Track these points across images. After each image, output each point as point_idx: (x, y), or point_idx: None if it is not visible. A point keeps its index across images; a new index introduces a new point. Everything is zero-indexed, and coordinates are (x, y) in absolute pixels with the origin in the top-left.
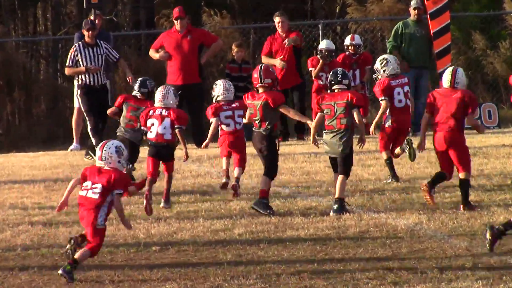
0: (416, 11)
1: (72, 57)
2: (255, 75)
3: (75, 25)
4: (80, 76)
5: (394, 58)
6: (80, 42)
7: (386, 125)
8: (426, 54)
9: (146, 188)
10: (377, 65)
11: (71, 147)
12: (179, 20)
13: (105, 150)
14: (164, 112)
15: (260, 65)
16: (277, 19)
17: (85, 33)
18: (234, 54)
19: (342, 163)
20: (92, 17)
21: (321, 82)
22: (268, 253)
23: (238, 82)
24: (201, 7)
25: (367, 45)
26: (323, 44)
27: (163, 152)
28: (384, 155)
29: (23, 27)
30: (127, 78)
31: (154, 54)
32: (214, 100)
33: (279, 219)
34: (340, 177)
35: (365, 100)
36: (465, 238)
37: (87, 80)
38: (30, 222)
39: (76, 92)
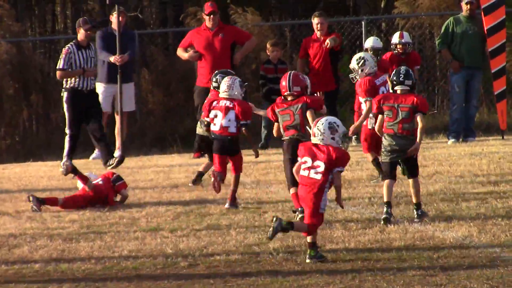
0: (468, 5)
1: (66, 59)
2: (284, 82)
3: (98, 23)
4: (70, 79)
5: (371, 56)
6: (73, 43)
7: (369, 127)
8: (479, 53)
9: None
10: (353, 64)
11: (93, 155)
12: (211, 16)
13: (317, 127)
14: (229, 104)
15: (290, 72)
16: (315, 20)
17: (81, 32)
18: (269, 54)
19: (413, 164)
20: (115, 15)
21: None
22: (306, 268)
23: (274, 84)
24: (228, 5)
25: (415, 43)
26: (369, 42)
27: (227, 146)
28: (369, 157)
29: (40, 25)
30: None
31: (182, 54)
32: None
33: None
34: (412, 181)
35: None
36: None
37: (77, 84)
38: (49, 236)
39: (63, 95)
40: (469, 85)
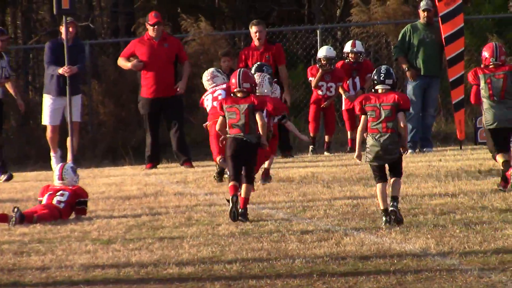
0: (426, 13)
1: None
2: (233, 79)
3: (48, 33)
4: None
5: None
6: None
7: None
8: (436, 61)
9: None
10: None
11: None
12: (156, 26)
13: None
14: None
15: (240, 69)
16: (254, 28)
17: None
18: (221, 64)
19: (396, 166)
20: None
21: (320, 93)
22: (260, 282)
23: None
24: (179, 14)
25: (371, 51)
26: (322, 52)
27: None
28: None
29: None
30: (17, 103)
31: (124, 63)
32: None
33: (272, 245)
34: (394, 179)
35: None
36: (477, 264)
37: None
38: None
39: None
40: (426, 94)
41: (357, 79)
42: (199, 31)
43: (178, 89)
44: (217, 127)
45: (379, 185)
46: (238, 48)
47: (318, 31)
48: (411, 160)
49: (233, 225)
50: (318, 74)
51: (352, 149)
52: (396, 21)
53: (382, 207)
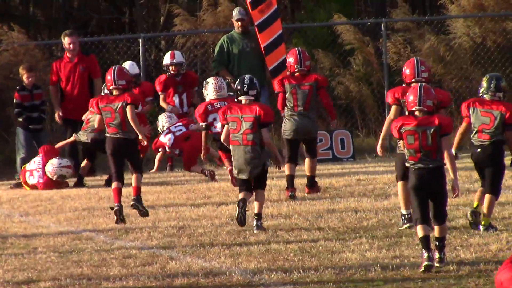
0: (239, 23)
1: None
2: (109, 77)
3: None
4: None
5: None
6: None
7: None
8: (260, 71)
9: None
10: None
11: None
12: None
13: None
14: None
15: (114, 66)
16: (66, 40)
17: None
18: (24, 79)
19: (261, 178)
20: None
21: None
22: None
23: (31, 113)
24: None
25: (197, 62)
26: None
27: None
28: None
29: None
30: None
31: None
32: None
33: (93, 269)
34: (257, 193)
35: None
36: None
37: None
38: None
39: None
40: None
41: (184, 96)
42: (12, 40)
43: None
44: (222, 137)
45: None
46: (55, 57)
47: (140, 40)
48: None
49: (51, 249)
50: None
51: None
52: (224, 29)
53: (241, 197)
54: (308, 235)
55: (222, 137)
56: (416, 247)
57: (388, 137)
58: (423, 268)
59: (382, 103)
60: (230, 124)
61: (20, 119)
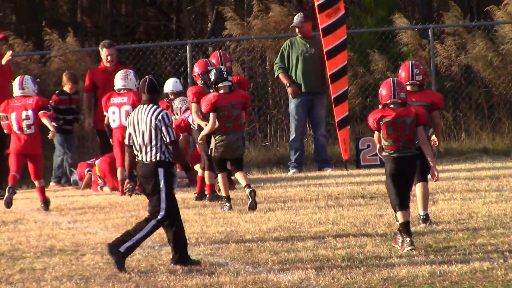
0: (297, 29)
1: None
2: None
3: None
4: None
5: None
6: None
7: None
8: (317, 77)
9: None
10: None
11: None
12: None
13: None
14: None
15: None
16: (105, 51)
17: None
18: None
19: (239, 163)
20: None
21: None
22: None
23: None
24: (42, 28)
25: (245, 68)
26: (168, 86)
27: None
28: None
29: None
30: None
31: None
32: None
33: (141, 276)
34: (239, 173)
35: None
36: None
37: None
38: None
39: None
40: (312, 114)
41: None
42: (63, 47)
43: None
44: (209, 125)
45: (221, 175)
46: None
47: (187, 47)
48: (289, 184)
49: (98, 255)
50: None
51: None
52: (273, 36)
53: (224, 194)
54: (356, 241)
55: (210, 125)
56: (464, 252)
57: None
58: (405, 250)
59: None
60: (221, 113)
61: (54, 124)
